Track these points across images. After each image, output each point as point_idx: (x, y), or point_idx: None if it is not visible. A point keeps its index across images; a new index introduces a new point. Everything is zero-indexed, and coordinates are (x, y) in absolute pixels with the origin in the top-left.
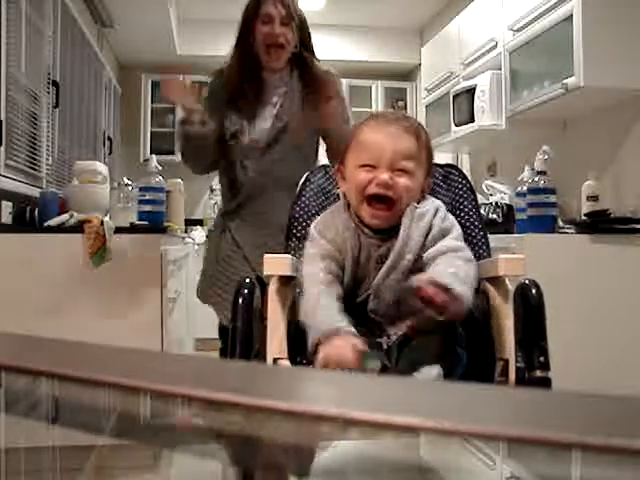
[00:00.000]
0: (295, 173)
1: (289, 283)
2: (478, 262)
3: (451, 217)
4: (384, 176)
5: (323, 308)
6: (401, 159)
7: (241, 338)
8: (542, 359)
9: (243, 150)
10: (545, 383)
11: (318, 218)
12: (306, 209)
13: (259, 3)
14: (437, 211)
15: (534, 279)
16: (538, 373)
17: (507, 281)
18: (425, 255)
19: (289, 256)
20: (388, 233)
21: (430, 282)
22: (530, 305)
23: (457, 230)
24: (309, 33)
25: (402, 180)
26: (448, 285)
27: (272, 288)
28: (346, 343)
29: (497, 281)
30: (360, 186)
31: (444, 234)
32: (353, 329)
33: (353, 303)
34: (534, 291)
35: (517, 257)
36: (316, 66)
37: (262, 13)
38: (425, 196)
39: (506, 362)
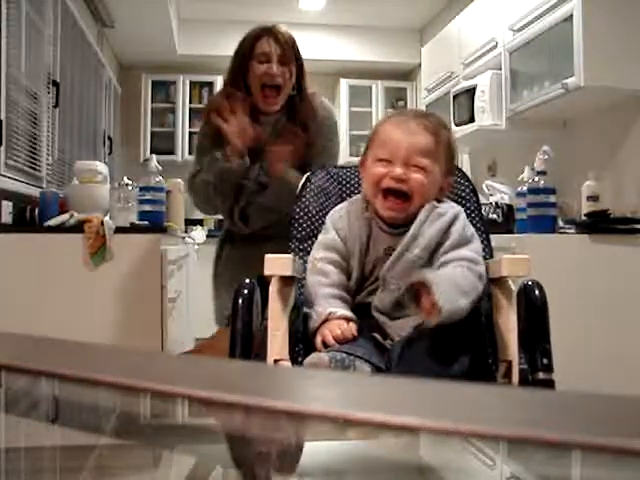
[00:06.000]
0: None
1: (290, 283)
2: None
3: (471, 227)
4: (398, 170)
5: (318, 297)
6: (416, 155)
7: (241, 339)
8: (545, 361)
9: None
10: (548, 385)
11: (336, 207)
12: (306, 210)
13: (255, 40)
14: (457, 217)
15: (537, 280)
16: (541, 375)
17: (510, 282)
18: (442, 259)
19: (290, 256)
20: (404, 228)
21: (421, 283)
22: (533, 306)
23: (477, 242)
24: (304, 74)
25: (416, 176)
26: (436, 294)
27: (273, 288)
28: (336, 326)
29: (500, 282)
30: (375, 179)
31: (464, 243)
32: (346, 312)
33: (360, 302)
34: (537, 292)
35: (521, 257)
36: (307, 105)
37: (258, 52)
38: (445, 199)
39: (509, 363)
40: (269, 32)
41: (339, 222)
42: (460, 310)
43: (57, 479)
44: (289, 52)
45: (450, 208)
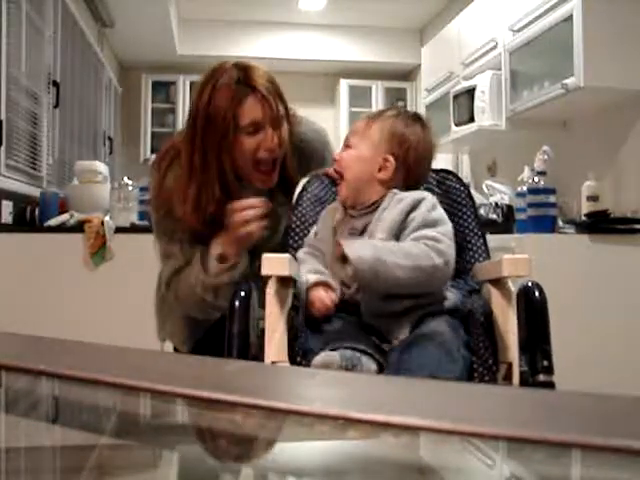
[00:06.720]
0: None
1: (288, 284)
2: (480, 264)
3: (441, 210)
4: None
5: (302, 277)
6: (349, 138)
7: (238, 342)
8: (546, 363)
9: None
10: (549, 387)
11: None
12: (303, 219)
13: (236, 106)
14: (420, 201)
15: (536, 281)
16: (542, 377)
17: (510, 283)
18: (405, 240)
19: (287, 255)
20: (362, 210)
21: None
22: (533, 307)
23: (445, 225)
24: (290, 118)
25: (343, 153)
26: (348, 249)
27: (270, 290)
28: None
29: (499, 282)
30: None
31: (428, 225)
32: (322, 277)
33: (349, 301)
34: (537, 293)
35: (521, 257)
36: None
37: (245, 122)
38: (415, 188)
39: (509, 365)
40: (251, 88)
41: (317, 224)
42: (387, 264)
43: (57, 479)
44: (279, 106)
45: (412, 194)
